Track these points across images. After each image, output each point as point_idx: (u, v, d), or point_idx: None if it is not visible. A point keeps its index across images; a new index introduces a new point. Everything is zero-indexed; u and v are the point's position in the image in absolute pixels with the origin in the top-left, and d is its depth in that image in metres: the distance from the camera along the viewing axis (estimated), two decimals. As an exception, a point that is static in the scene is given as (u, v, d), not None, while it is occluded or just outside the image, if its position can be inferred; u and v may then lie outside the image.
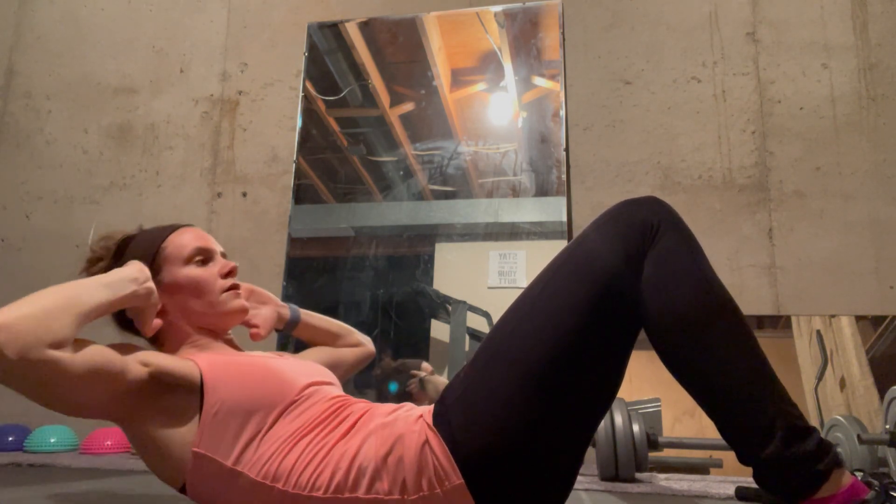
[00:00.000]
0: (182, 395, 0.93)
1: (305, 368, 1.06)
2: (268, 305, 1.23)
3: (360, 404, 1.01)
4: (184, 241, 1.09)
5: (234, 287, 1.10)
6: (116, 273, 0.96)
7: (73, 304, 0.86)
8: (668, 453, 2.04)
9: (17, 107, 2.95)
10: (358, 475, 0.87)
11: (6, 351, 0.77)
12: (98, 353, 0.86)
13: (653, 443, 1.84)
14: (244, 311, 1.11)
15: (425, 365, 2.24)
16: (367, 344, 1.37)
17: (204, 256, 1.09)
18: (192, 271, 1.07)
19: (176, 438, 0.92)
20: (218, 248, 1.12)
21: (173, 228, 1.11)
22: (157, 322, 1.03)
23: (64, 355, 0.82)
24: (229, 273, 1.09)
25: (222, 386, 0.94)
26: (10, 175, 2.89)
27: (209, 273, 1.08)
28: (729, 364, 0.85)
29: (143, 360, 0.92)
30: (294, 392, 0.97)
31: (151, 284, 0.99)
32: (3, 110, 2.96)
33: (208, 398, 0.93)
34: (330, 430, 0.94)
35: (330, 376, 1.10)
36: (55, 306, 0.84)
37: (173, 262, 1.07)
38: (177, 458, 0.92)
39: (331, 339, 1.33)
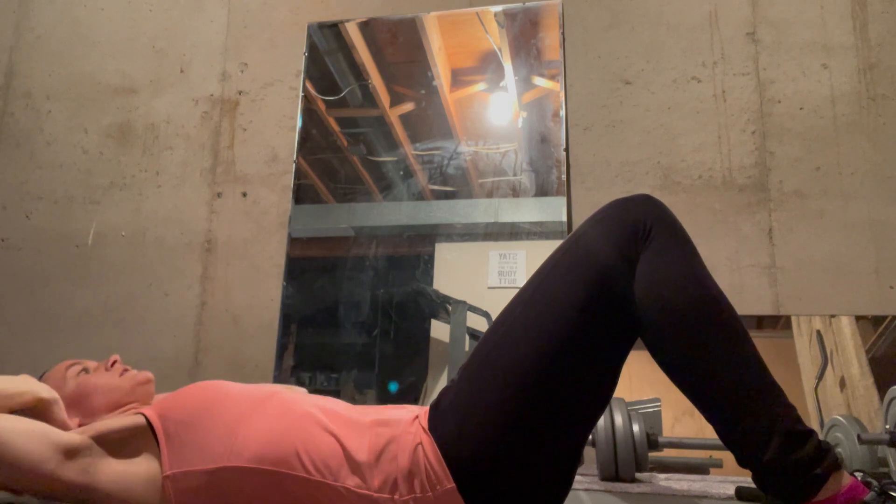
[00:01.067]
0: (133, 443, 0.92)
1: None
2: None
3: (347, 403, 1.01)
4: (54, 370, 1.09)
5: (126, 370, 1.10)
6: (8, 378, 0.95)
7: None
8: (668, 453, 2.04)
9: (17, 107, 2.96)
10: (350, 467, 0.87)
11: None
12: (26, 420, 0.86)
13: (653, 443, 1.84)
14: (150, 379, 1.11)
15: None
16: (292, 388, 1.40)
17: (80, 367, 1.09)
18: (78, 379, 1.06)
19: (142, 484, 0.91)
20: (90, 362, 1.12)
21: (43, 371, 1.12)
22: (76, 420, 1.02)
23: None
24: (113, 363, 1.10)
25: (169, 412, 0.94)
26: (10, 175, 2.89)
27: (95, 374, 1.08)
28: (724, 366, 0.85)
29: (81, 430, 0.91)
30: (260, 392, 0.97)
31: (35, 391, 0.96)
32: (3, 110, 2.96)
33: (160, 427, 0.92)
34: (319, 423, 0.94)
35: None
36: None
37: (57, 386, 1.05)
38: (153, 497, 0.91)
39: None
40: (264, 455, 0.88)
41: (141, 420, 0.92)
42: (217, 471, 0.88)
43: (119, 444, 0.90)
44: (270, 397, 0.95)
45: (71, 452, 0.87)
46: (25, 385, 0.93)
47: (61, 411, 0.97)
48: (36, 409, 0.93)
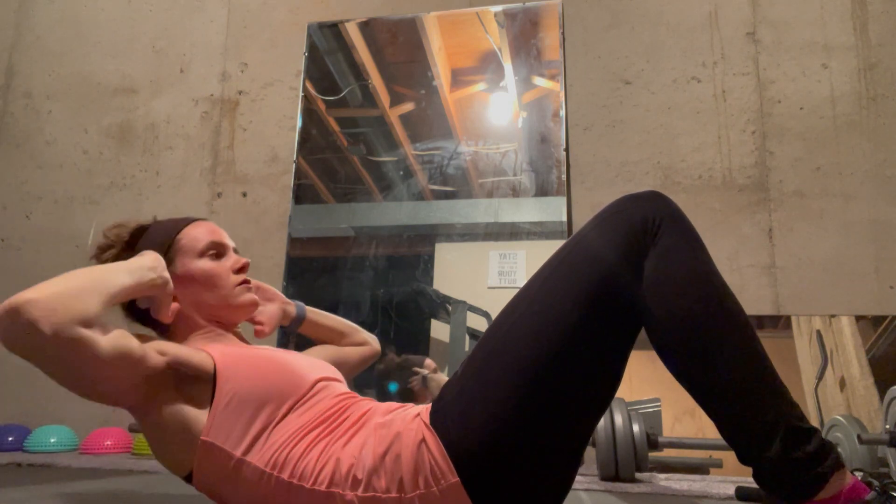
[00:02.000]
0: (195, 385, 0.94)
1: (315, 364, 1.07)
2: (274, 302, 1.24)
3: (364, 402, 1.02)
4: (198, 234, 1.10)
5: (246, 282, 1.11)
6: (136, 261, 0.97)
7: (100, 285, 0.88)
8: (668, 453, 2.04)
9: (17, 107, 2.95)
10: (357, 473, 0.88)
11: (41, 326, 0.78)
12: (123, 337, 0.87)
13: (653, 443, 1.84)
14: (254, 305, 1.12)
15: (428, 362, 2.24)
16: (372, 343, 1.38)
17: (217, 251, 1.10)
18: (206, 264, 1.08)
19: (186, 427, 0.93)
20: (231, 243, 1.14)
21: (188, 221, 1.12)
22: (175, 306, 1.04)
23: (93, 335, 0.83)
24: (241, 269, 1.11)
25: (235, 377, 0.94)
26: (10, 175, 2.89)
27: (222, 267, 1.09)
28: (730, 364, 0.85)
29: (160, 349, 0.92)
30: (305, 386, 0.98)
31: (167, 274, 1.00)
32: (3, 110, 2.96)
33: (220, 389, 0.93)
34: (335, 427, 0.94)
35: (337, 373, 1.11)
36: (84, 286, 0.85)
37: (187, 253, 1.08)
38: (186, 446, 0.92)
39: (336, 337, 1.33)
40: (281, 462, 0.89)
41: (209, 369, 0.93)
42: (241, 461, 0.90)
43: (184, 376, 0.92)
44: (309, 392, 0.96)
45: (149, 377, 0.91)
46: (162, 272, 0.98)
47: (167, 301, 1.01)
48: (155, 290, 0.98)
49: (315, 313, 1.31)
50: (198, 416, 0.93)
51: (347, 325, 1.35)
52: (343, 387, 1.07)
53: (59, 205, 2.82)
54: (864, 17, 2.36)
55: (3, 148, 2.93)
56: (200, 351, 0.97)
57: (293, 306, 1.27)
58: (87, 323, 0.82)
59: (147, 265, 0.97)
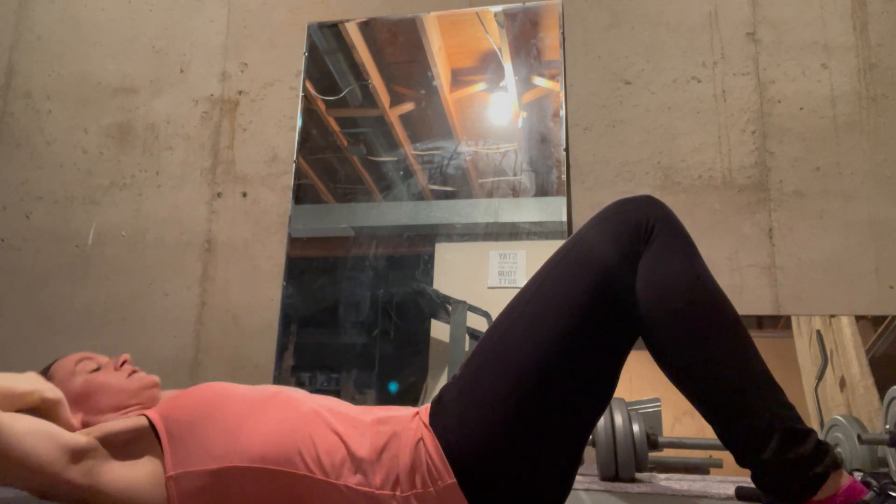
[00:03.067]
0: (138, 443, 0.93)
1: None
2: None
3: (347, 403, 1.02)
4: (64, 362, 1.09)
5: (133, 370, 1.10)
6: (14, 376, 0.95)
7: None
8: (668, 453, 2.04)
9: (17, 107, 2.96)
10: (352, 465, 0.88)
11: None
12: (32, 418, 0.86)
13: (653, 443, 1.84)
14: (156, 383, 1.10)
15: None
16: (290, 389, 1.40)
17: (90, 363, 1.09)
18: (85, 377, 1.06)
19: (149, 481, 0.91)
20: (101, 357, 1.12)
21: (53, 360, 1.12)
22: (79, 417, 1.01)
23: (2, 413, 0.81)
24: (122, 363, 1.10)
25: (172, 412, 0.94)
26: (10, 175, 2.89)
27: (104, 372, 1.08)
28: (724, 366, 0.85)
29: (86, 431, 0.92)
30: (268, 390, 0.98)
31: (53, 391, 0.97)
32: (3, 110, 2.96)
33: (163, 428, 0.93)
34: (322, 422, 0.94)
35: None
36: None
37: (64, 379, 1.06)
38: (157, 498, 0.91)
39: None
40: (267, 454, 0.88)
41: (144, 422, 0.92)
42: (220, 471, 0.88)
43: (122, 446, 0.91)
44: (273, 396, 0.96)
45: (77, 454, 0.87)
46: (32, 384, 0.93)
47: (66, 412, 0.97)
48: (41, 409, 0.93)
49: None
50: (153, 466, 0.92)
51: None
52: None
53: (59, 205, 2.82)
54: (864, 17, 2.36)
55: (3, 148, 2.93)
56: (130, 416, 0.96)
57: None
58: None
59: (29, 382, 0.94)
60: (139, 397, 1.06)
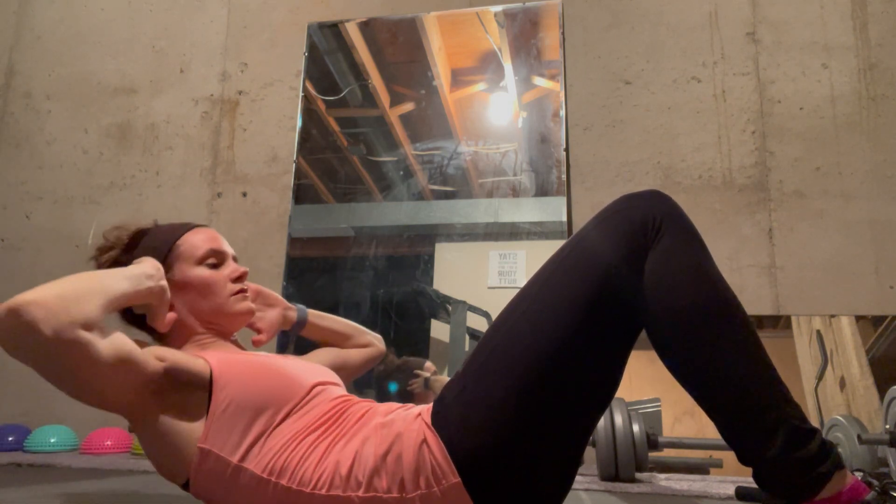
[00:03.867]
0: (192, 392, 0.94)
1: (312, 369, 1.07)
2: (274, 308, 1.24)
3: (363, 404, 1.02)
4: (197, 241, 1.10)
5: (243, 291, 1.11)
6: (135, 268, 0.97)
7: (100, 289, 0.88)
8: (668, 453, 2.04)
9: (17, 107, 2.95)
10: (357, 474, 0.88)
11: (42, 328, 0.77)
12: (122, 342, 0.87)
13: (653, 443, 1.84)
14: (250, 314, 1.12)
15: (428, 364, 2.24)
16: (377, 343, 1.37)
17: (216, 259, 1.10)
18: (203, 272, 1.08)
19: (183, 435, 0.92)
20: (230, 251, 1.14)
21: (188, 227, 1.12)
22: (172, 315, 1.04)
23: (93, 338, 0.82)
24: (239, 278, 1.10)
25: (231, 384, 0.94)
26: (10, 175, 2.89)
27: (219, 275, 1.09)
28: (731, 364, 0.84)
29: (159, 355, 0.92)
30: (302, 391, 0.98)
31: (165, 283, 1.00)
32: (3, 110, 2.96)
33: (217, 395, 0.93)
34: (333, 430, 0.95)
35: (335, 377, 1.11)
36: (84, 290, 0.85)
37: (186, 260, 1.08)
38: (182, 454, 0.92)
39: (340, 339, 1.33)
40: (279, 468, 0.89)
41: (206, 376, 0.93)
42: (238, 468, 0.89)
43: (181, 383, 0.92)
44: (300, 403, 0.96)
45: (148, 383, 0.90)
46: (160, 280, 0.98)
47: (164, 309, 1.01)
48: (151, 298, 0.98)
49: (317, 316, 1.30)
50: (194, 423, 0.93)
51: (351, 327, 1.35)
52: (340, 390, 1.07)
53: (59, 205, 2.82)
54: (864, 17, 2.36)
55: (3, 148, 2.93)
56: (198, 357, 0.96)
57: (294, 311, 1.27)
58: (88, 326, 0.82)
59: (146, 273, 0.97)
60: (229, 321, 1.09)
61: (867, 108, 2.30)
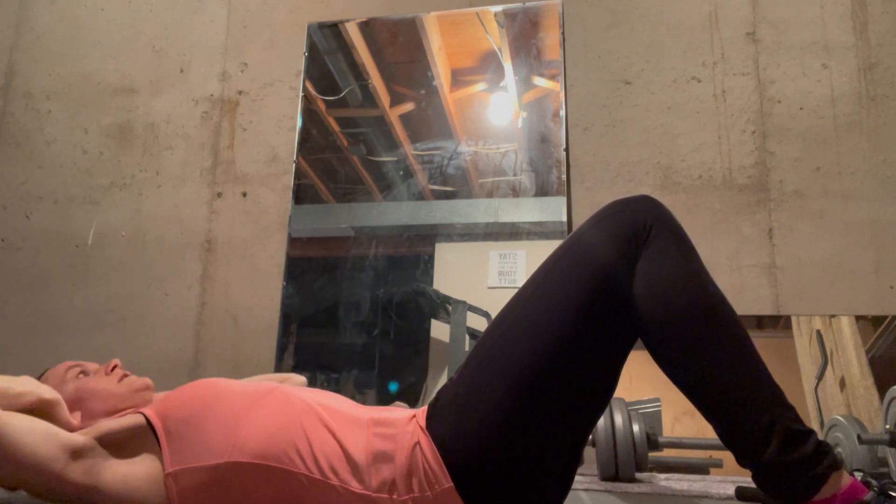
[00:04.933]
0: (136, 441, 0.93)
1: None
2: None
3: (346, 399, 1.02)
4: (55, 370, 1.10)
5: (126, 375, 1.11)
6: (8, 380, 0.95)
7: None
8: (668, 453, 2.04)
9: (17, 107, 2.96)
10: (348, 466, 0.87)
11: None
12: (31, 418, 0.86)
13: (653, 443, 1.84)
14: (148, 386, 1.11)
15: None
16: (291, 378, 1.40)
17: (80, 369, 1.10)
18: (78, 383, 1.07)
19: (147, 479, 0.91)
20: (91, 364, 1.13)
21: (44, 369, 1.12)
22: (77, 416, 1.02)
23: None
24: (113, 368, 1.10)
25: (169, 410, 0.94)
26: (10, 175, 2.89)
27: (94, 378, 1.09)
28: (723, 367, 0.85)
29: (84, 431, 0.92)
30: (263, 386, 0.98)
31: (47, 390, 0.97)
32: (3, 110, 2.96)
33: (160, 426, 0.93)
34: (319, 421, 0.94)
35: None
36: None
37: (58, 384, 1.07)
38: (155, 496, 0.91)
39: None
40: (265, 451, 0.88)
41: (141, 420, 0.92)
42: (218, 467, 0.88)
43: (121, 445, 0.91)
44: (271, 392, 0.95)
45: (76, 453, 0.87)
46: (29, 385, 0.94)
47: (64, 412, 0.97)
48: (39, 410, 0.93)
49: None
50: (152, 464, 0.92)
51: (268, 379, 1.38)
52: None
53: (59, 205, 2.82)
54: (864, 17, 2.36)
55: (3, 148, 2.93)
56: (127, 415, 0.97)
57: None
58: None
59: (27, 384, 0.95)
60: (131, 401, 1.07)
61: (867, 108, 2.30)
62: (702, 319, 0.85)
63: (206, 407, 0.92)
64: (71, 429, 0.97)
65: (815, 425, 2.11)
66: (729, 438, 0.84)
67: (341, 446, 0.88)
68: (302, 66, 2.68)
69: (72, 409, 1.03)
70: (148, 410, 0.94)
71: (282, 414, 0.91)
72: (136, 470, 0.90)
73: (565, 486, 0.91)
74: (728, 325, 0.86)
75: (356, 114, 2.62)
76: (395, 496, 0.85)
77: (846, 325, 2.16)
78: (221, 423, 0.90)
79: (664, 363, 0.88)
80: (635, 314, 0.87)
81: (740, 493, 1.21)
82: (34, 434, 0.84)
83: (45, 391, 0.94)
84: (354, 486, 0.86)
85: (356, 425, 0.91)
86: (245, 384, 0.99)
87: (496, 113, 2.49)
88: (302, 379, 1.42)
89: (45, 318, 2.65)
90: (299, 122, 2.61)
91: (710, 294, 0.87)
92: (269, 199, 2.65)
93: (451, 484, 0.83)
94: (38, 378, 1.09)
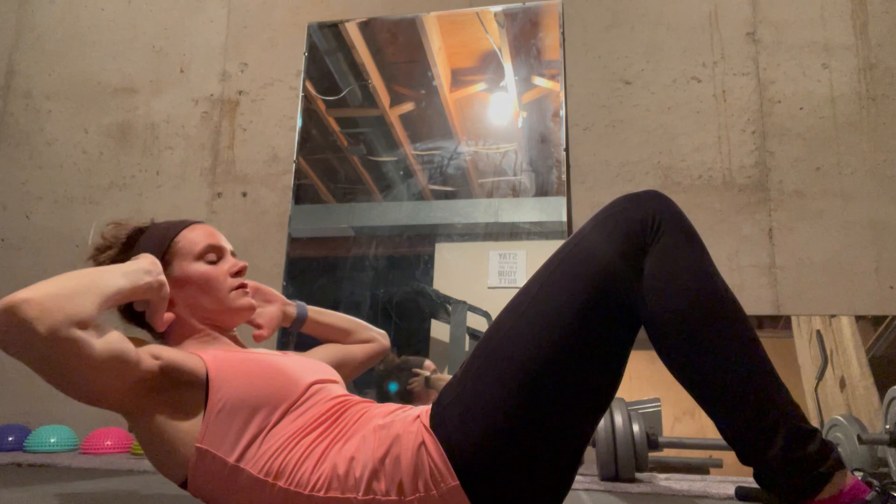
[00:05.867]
0: (188, 391, 0.94)
1: (310, 366, 1.06)
2: (273, 304, 1.23)
3: (362, 405, 1.01)
4: (196, 237, 1.09)
5: (243, 286, 1.10)
6: (132, 264, 0.97)
7: (96, 287, 0.87)
8: (668, 453, 2.04)
9: (17, 107, 2.95)
10: (356, 476, 0.87)
11: (37, 326, 0.77)
12: (118, 340, 0.87)
13: (653, 443, 1.84)
14: (251, 309, 1.11)
15: (428, 363, 2.24)
16: (380, 339, 1.35)
17: (215, 254, 1.09)
18: (203, 268, 1.07)
19: (180, 433, 0.92)
20: (228, 246, 1.13)
21: (186, 224, 1.11)
22: (170, 315, 1.03)
23: (88, 336, 0.82)
24: (238, 272, 1.10)
25: (227, 383, 0.94)
26: (10, 175, 2.89)
27: (219, 270, 1.08)
28: (731, 364, 0.84)
29: (154, 353, 0.92)
30: (299, 390, 0.98)
31: (164, 278, 0.99)
32: (3, 110, 2.96)
33: (213, 394, 0.93)
34: (330, 431, 0.94)
35: (334, 374, 1.10)
36: (80, 288, 0.84)
37: (184, 257, 1.07)
38: (180, 453, 0.92)
39: (341, 335, 1.31)
40: (277, 470, 0.89)
41: (202, 375, 0.92)
42: (233, 468, 0.89)
43: (176, 383, 0.92)
44: (309, 397, 0.95)
45: (143, 381, 0.90)
46: (159, 276, 0.97)
47: (162, 309, 1.00)
48: (150, 294, 0.97)
49: (317, 312, 1.30)
50: (191, 422, 0.93)
51: (352, 322, 1.33)
52: (339, 388, 1.06)
53: (59, 205, 2.82)
54: (864, 17, 2.36)
55: (3, 148, 2.93)
56: (193, 355, 0.96)
57: (293, 307, 1.27)
58: (82, 324, 0.81)
59: (143, 268, 0.96)
60: (229, 317, 1.08)
61: (867, 108, 2.30)
62: (710, 317, 0.85)
63: (258, 404, 0.92)
64: (157, 325, 1.00)
65: (815, 425, 2.11)
66: (732, 436, 0.84)
67: (351, 460, 0.88)
68: (302, 66, 2.68)
69: (180, 284, 1.04)
70: (212, 367, 0.93)
71: (300, 431, 0.92)
72: (179, 417, 0.92)
73: (567, 483, 0.91)
74: (736, 323, 0.85)
75: (356, 114, 2.61)
76: (402, 497, 0.85)
77: (846, 325, 2.16)
78: (255, 427, 0.91)
79: (670, 360, 0.87)
80: (642, 310, 0.86)
81: (740, 493, 1.21)
82: (116, 364, 0.85)
83: (160, 289, 0.97)
84: (363, 494, 0.86)
85: (362, 434, 0.91)
86: (296, 377, 0.98)
87: (496, 113, 2.49)
88: (386, 343, 1.36)
89: (45, 318, 2.65)
90: (299, 122, 2.61)
91: (719, 291, 0.86)
92: (269, 199, 2.65)
93: (457, 482, 0.83)
94: (180, 230, 1.09)
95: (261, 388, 0.95)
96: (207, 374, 0.94)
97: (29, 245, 2.80)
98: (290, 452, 0.91)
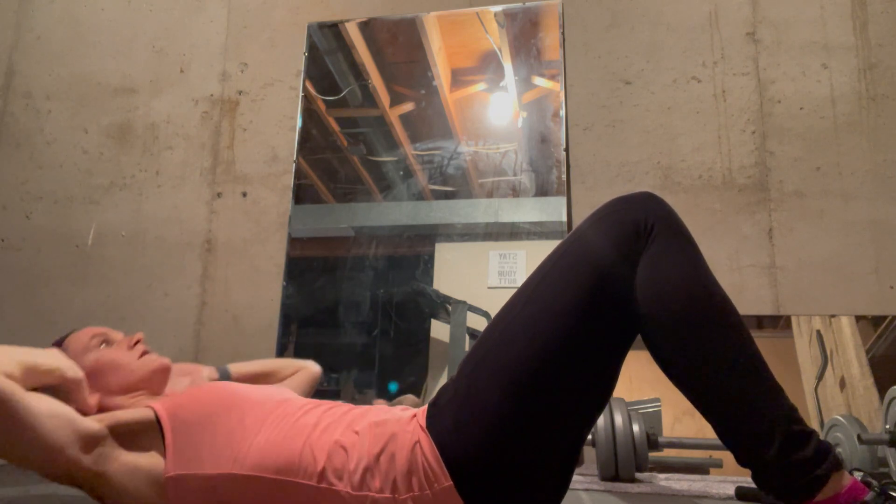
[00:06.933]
0: (143, 437, 0.93)
1: (269, 388, 1.09)
2: (189, 376, 1.26)
3: (354, 406, 1.02)
4: (80, 335, 1.10)
5: (146, 352, 1.10)
6: (43, 351, 0.96)
7: (14, 352, 0.87)
8: (668, 453, 2.04)
9: (17, 107, 2.96)
10: (350, 470, 0.87)
11: None
12: (53, 401, 0.86)
13: (653, 443, 1.84)
14: (166, 368, 1.11)
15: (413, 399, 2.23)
16: (307, 367, 1.45)
17: (103, 340, 1.10)
18: (99, 353, 1.08)
19: (148, 478, 0.91)
20: (115, 332, 1.13)
21: (69, 332, 1.13)
22: (95, 396, 1.02)
23: (17, 387, 0.81)
24: (136, 343, 1.10)
25: (179, 410, 0.94)
26: (10, 175, 2.89)
27: (117, 348, 1.09)
28: (726, 367, 0.84)
29: (96, 418, 0.92)
30: (272, 402, 0.98)
31: (78, 370, 0.98)
32: (3, 110, 2.96)
33: (167, 426, 0.93)
34: (323, 427, 0.94)
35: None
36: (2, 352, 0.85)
37: (79, 353, 1.07)
38: (155, 493, 0.91)
39: (270, 377, 1.41)
40: (266, 463, 0.88)
41: (151, 415, 0.92)
42: (218, 477, 0.88)
43: (129, 437, 0.91)
44: (281, 404, 0.96)
45: (90, 440, 0.88)
46: (55, 362, 0.94)
47: (84, 392, 0.98)
48: (60, 387, 0.94)
49: (239, 368, 1.37)
50: (155, 462, 0.92)
51: (276, 363, 1.43)
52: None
53: (59, 205, 2.82)
54: (864, 17, 2.36)
55: (3, 148, 2.93)
56: (138, 407, 0.97)
57: (215, 372, 1.31)
58: (9, 374, 0.81)
59: (55, 352, 0.96)
60: (149, 382, 1.07)
61: (867, 108, 2.30)
62: (704, 319, 0.85)
63: (216, 414, 0.92)
64: (87, 409, 0.98)
65: (815, 425, 2.11)
66: (729, 438, 0.84)
67: (344, 452, 0.88)
68: (302, 66, 2.68)
69: (89, 378, 1.02)
70: (159, 407, 0.93)
71: (284, 425, 0.92)
72: (141, 465, 0.91)
73: (564, 483, 0.91)
74: (731, 326, 0.85)
75: (356, 114, 2.62)
76: (395, 495, 0.85)
77: (846, 325, 2.16)
78: (227, 433, 0.90)
79: (665, 364, 0.87)
80: (636, 314, 0.87)
81: (740, 493, 1.21)
82: (54, 419, 0.84)
83: (69, 369, 0.95)
84: (356, 488, 0.86)
85: (357, 430, 0.91)
86: (262, 393, 0.99)
87: (496, 113, 2.49)
88: (316, 368, 1.44)
89: (45, 318, 2.65)
90: (299, 122, 2.61)
91: (712, 295, 0.86)
92: (269, 199, 2.65)
93: (451, 482, 0.83)
94: (62, 340, 1.10)
95: (216, 396, 0.96)
96: (157, 413, 0.94)
97: (29, 245, 2.80)
98: (280, 449, 0.90)
